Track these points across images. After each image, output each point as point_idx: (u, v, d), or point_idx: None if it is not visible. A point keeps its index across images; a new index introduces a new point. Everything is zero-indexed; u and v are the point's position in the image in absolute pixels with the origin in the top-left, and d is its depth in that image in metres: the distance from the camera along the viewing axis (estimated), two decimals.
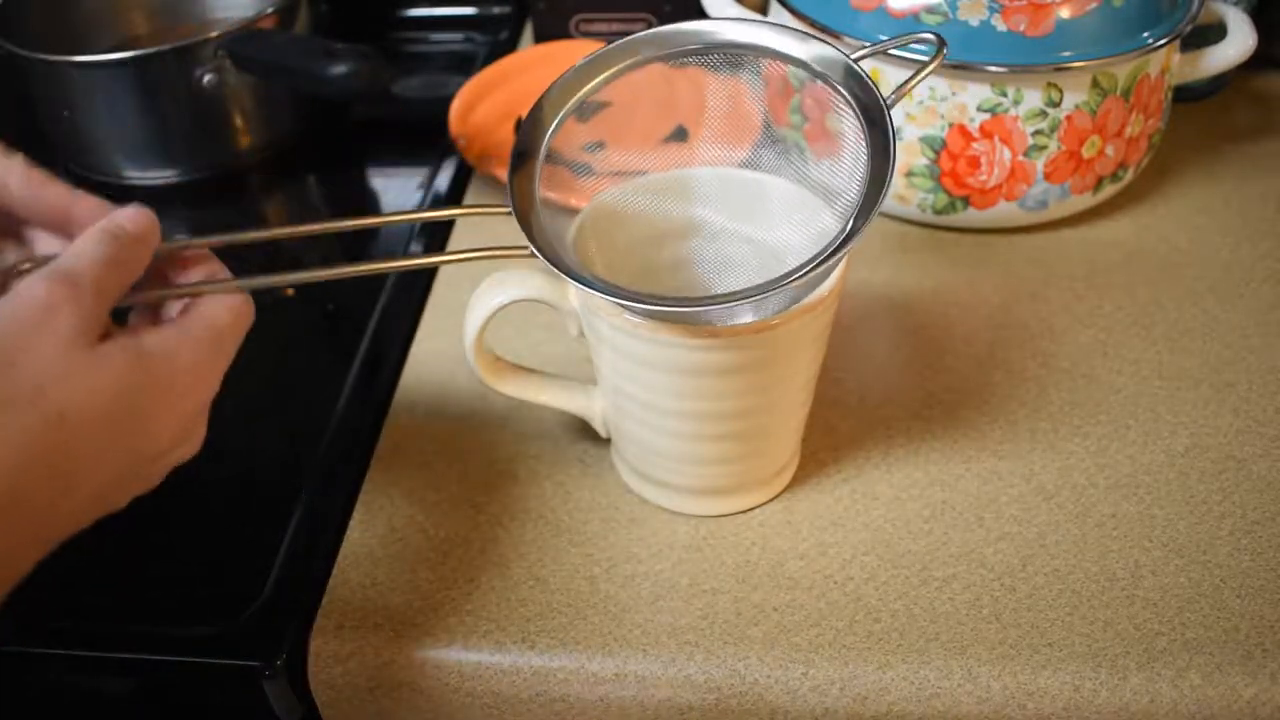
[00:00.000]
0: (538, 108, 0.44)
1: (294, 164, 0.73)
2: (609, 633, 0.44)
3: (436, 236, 0.64)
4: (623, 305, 0.40)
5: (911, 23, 0.56)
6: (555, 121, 0.44)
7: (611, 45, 0.44)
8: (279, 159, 0.73)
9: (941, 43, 0.43)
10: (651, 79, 0.45)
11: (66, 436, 0.33)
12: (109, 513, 0.36)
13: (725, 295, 0.39)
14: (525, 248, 0.40)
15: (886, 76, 0.57)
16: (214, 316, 0.38)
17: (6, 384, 0.33)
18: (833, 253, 0.38)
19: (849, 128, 0.42)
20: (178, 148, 0.71)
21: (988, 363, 0.54)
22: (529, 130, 0.44)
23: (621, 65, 0.44)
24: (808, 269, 0.38)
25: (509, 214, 0.41)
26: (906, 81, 0.42)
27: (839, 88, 0.42)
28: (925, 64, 0.43)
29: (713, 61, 0.44)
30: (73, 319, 0.34)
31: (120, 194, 0.47)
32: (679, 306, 0.39)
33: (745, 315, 0.41)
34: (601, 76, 0.44)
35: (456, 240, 0.64)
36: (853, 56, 0.42)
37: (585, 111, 0.44)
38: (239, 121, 0.72)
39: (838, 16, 0.58)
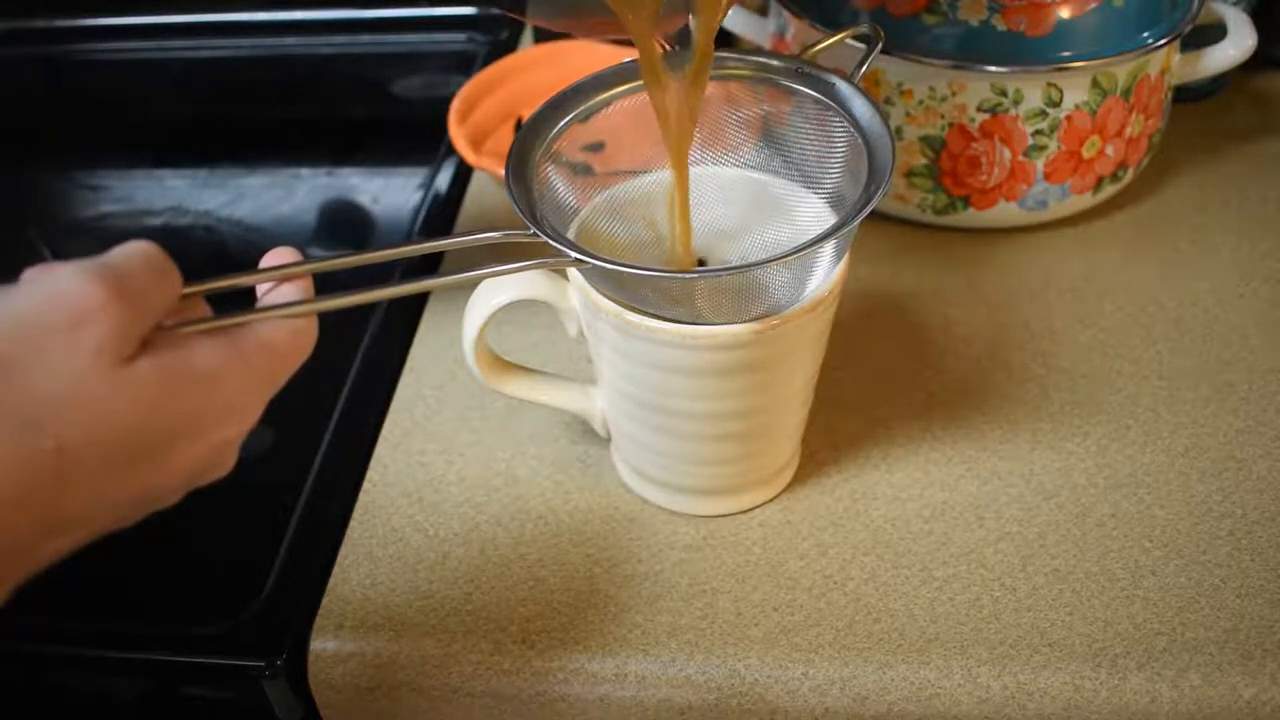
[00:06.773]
0: (539, 112, 0.44)
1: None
2: (609, 633, 0.44)
3: (436, 235, 0.64)
4: (659, 276, 0.40)
5: (912, 22, 0.56)
6: (555, 129, 0.44)
7: (613, 69, 0.44)
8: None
9: (878, 34, 0.45)
10: None
11: (62, 473, 0.27)
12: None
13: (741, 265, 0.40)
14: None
15: (888, 76, 0.57)
16: (273, 337, 0.32)
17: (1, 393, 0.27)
18: (832, 232, 0.39)
19: (846, 131, 0.42)
20: None
21: (988, 363, 0.54)
22: (528, 133, 0.44)
23: (621, 89, 0.45)
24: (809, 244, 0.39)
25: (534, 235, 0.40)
26: (857, 68, 0.44)
27: (831, 104, 0.43)
28: (868, 53, 0.44)
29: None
30: (106, 330, 0.28)
31: None
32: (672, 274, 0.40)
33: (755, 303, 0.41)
34: (599, 98, 0.44)
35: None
36: (803, 54, 0.44)
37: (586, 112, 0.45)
38: None
39: (838, 16, 0.58)
